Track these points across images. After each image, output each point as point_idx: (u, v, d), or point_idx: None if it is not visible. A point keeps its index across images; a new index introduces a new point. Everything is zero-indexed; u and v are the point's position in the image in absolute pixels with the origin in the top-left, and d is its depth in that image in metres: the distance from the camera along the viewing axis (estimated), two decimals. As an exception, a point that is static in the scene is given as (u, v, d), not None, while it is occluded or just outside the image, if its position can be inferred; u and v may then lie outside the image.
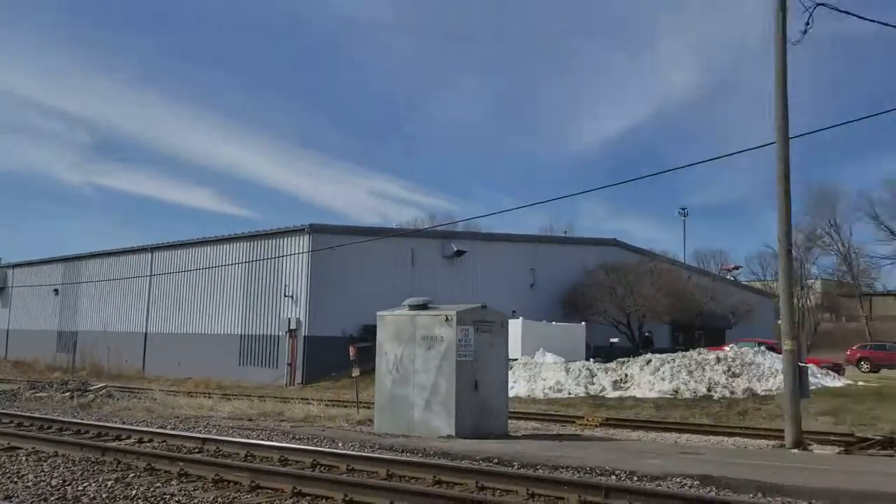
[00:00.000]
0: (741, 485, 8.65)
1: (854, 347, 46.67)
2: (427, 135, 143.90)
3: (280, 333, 34.89)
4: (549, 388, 25.82)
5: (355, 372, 18.44)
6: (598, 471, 9.63)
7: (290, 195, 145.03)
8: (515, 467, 10.14)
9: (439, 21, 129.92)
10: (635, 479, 9.28)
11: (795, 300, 69.55)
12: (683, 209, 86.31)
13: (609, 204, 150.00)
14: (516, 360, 27.74)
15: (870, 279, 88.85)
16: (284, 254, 35.26)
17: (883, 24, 16.77)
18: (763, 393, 22.57)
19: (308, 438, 13.20)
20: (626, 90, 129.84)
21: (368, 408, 17.07)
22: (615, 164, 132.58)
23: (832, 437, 14.66)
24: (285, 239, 35.98)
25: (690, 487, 8.74)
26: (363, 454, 10.73)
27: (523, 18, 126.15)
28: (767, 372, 23.91)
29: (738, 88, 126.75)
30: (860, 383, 26.93)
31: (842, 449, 13.42)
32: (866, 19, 16.15)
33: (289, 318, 34.47)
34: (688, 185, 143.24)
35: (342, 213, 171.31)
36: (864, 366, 42.00)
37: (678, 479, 9.04)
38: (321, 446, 12.01)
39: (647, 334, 45.07)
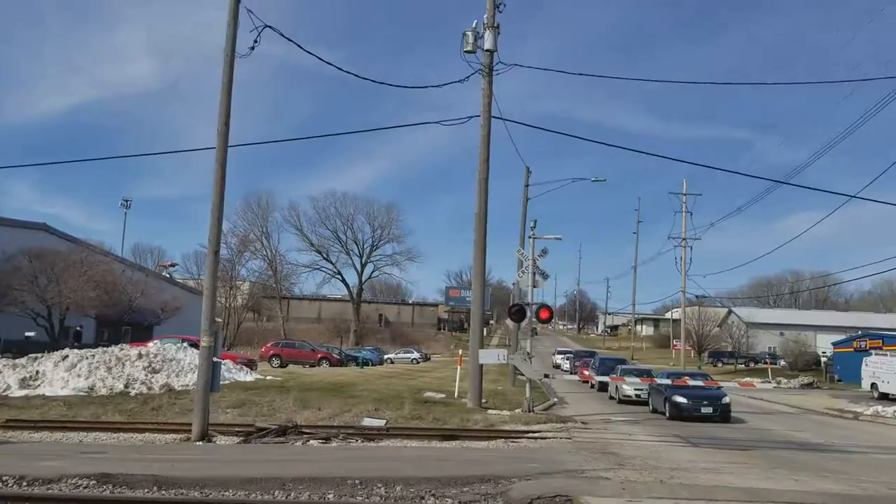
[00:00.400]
0: (139, 480, 8.74)
1: (268, 345, 51.18)
2: None
3: None
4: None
5: None
6: (-20, 479, 8.64)
7: None
8: None
9: None
10: (24, 483, 8.59)
11: (224, 300, 73.51)
12: (126, 200, 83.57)
13: (41, 186, 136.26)
14: None
15: (290, 284, 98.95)
16: None
17: (319, 58, 19.14)
18: (180, 388, 23.10)
19: None
20: (79, 71, 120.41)
21: None
22: (53, 143, 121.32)
23: (236, 429, 15.81)
24: None
25: (86, 488, 8.48)
26: None
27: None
28: (187, 367, 24.58)
29: (194, 88, 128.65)
30: (268, 377, 29.63)
31: (242, 439, 14.60)
32: (306, 51, 18.24)
33: None
34: (133, 177, 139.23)
35: None
36: (275, 361, 46.35)
37: (74, 481, 8.69)
38: None
39: (78, 328, 42.10)
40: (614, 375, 29.37)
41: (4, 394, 22.11)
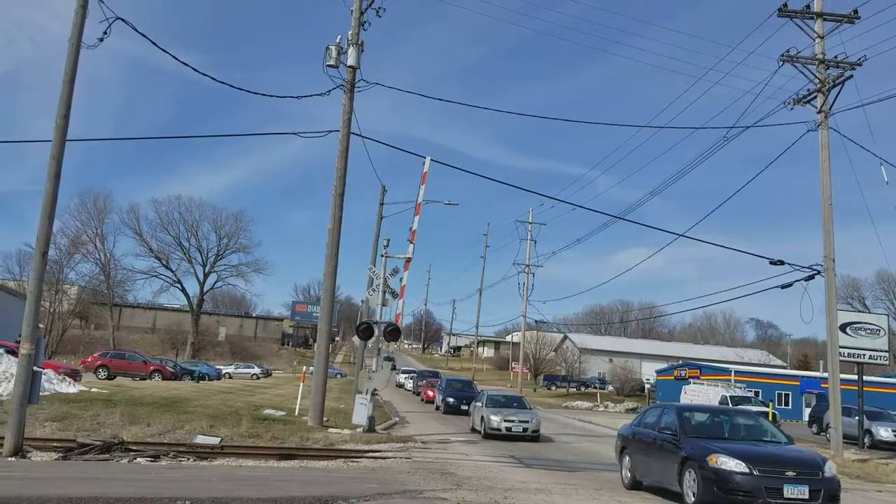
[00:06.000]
0: (-61, 500, 7.94)
1: (95, 354, 48.02)
2: None
3: None
4: None
5: None
6: None
7: None
8: None
9: None
10: None
11: (48, 304, 68.16)
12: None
13: None
14: None
15: (124, 290, 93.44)
16: None
17: (174, 57, 18.33)
18: (-8, 399, 21.18)
19: None
20: None
21: None
22: None
23: (55, 444, 14.69)
24: None
25: None
26: None
27: None
28: (1, 376, 22.65)
29: (35, 76, 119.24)
30: (94, 389, 27.78)
31: (61, 455, 13.58)
32: (160, 48, 17.45)
33: None
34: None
35: None
36: (102, 372, 43.54)
37: None
38: None
39: None
40: (479, 404, 24.79)
41: None
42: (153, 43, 16.91)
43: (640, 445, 13.79)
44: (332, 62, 21.48)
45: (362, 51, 22.09)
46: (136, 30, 15.83)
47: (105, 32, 14.92)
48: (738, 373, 53.37)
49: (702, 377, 52.14)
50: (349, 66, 21.83)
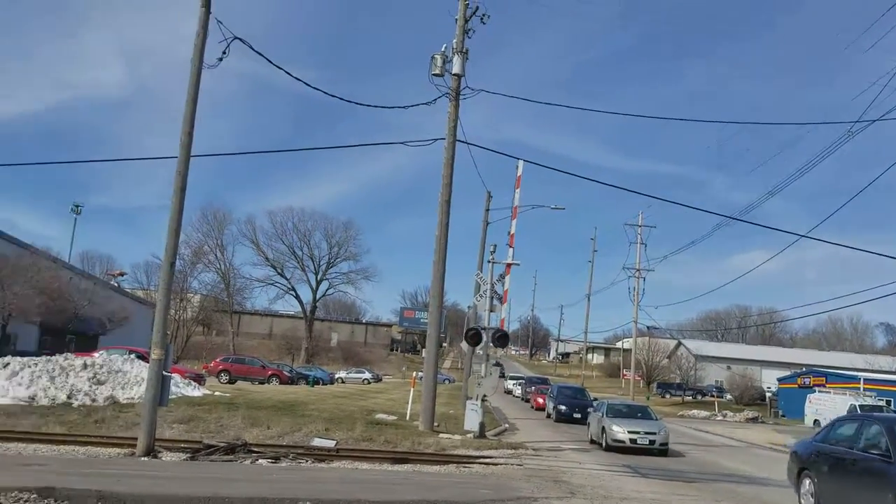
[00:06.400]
0: (82, 495, 8.50)
1: (217, 359, 50.30)
2: None
3: None
4: None
5: None
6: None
7: None
8: None
9: None
10: (-40, 497, 8.30)
11: (174, 312, 72.10)
12: (77, 206, 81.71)
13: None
14: None
15: (242, 298, 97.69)
16: None
17: (288, 73, 19.02)
18: (125, 401, 22.56)
19: None
20: (44, 75, 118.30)
21: None
22: (7, 144, 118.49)
23: (182, 445, 15.47)
24: None
25: (27, 502, 8.21)
26: None
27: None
28: (133, 380, 24.03)
29: (157, 96, 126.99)
30: (217, 393, 29.11)
31: (189, 456, 14.29)
32: (275, 65, 18.17)
33: None
34: (86, 183, 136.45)
35: None
36: (224, 377, 45.55)
37: (14, 494, 8.40)
38: None
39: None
40: (599, 414, 23.25)
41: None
42: (269, 60, 17.60)
43: (829, 468, 11.26)
44: (437, 71, 21.71)
45: (467, 58, 22.22)
46: (253, 48, 16.51)
47: (224, 52, 15.63)
48: (867, 380, 50.15)
49: (828, 385, 49.39)
50: (454, 75, 21.99)
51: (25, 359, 24.65)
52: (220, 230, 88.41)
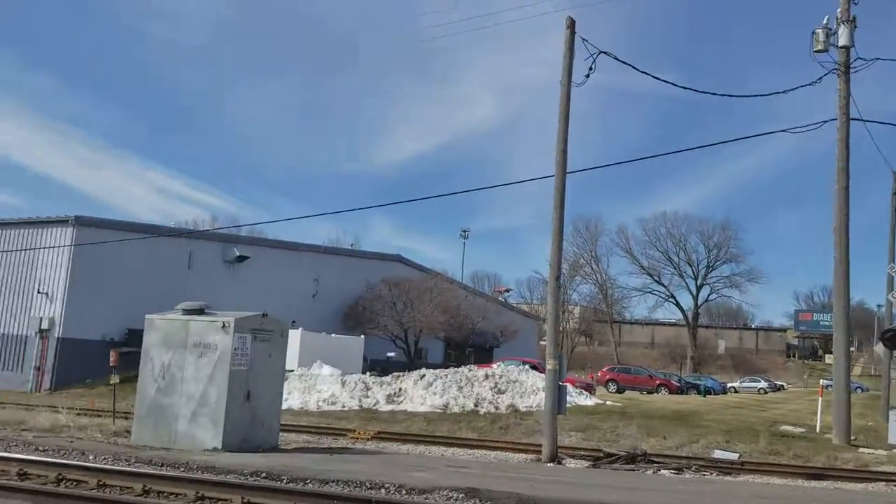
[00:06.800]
0: (503, 498, 9.06)
1: (604, 369, 51.07)
2: (224, 134, 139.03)
3: (29, 333, 31.48)
4: (324, 400, 25.58)
5: (114, 379, 17.00)
6: (367, 485, 9.63)
7: (62, 184, 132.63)
8: (284, 481, 9.87)
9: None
10: (404, 492, 9.41)
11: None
12: (465, 231, 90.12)
13: (396, 221, 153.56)
14: (292, 371, 27.22)
15: (621, 308, 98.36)
16: (41, 245, 31.93)
17: (655, 77, 18.71)
18: (524, 409, 23.94)
19: (54, 450, 11.96)
20: (425, 118, 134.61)
21: (127, 418, 15.81)
22: (407, 184, 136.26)
23: (582, 452, 15.87)
24: (45, 230, 32.62)
25: (456, 500, 9.01)
26: (117, 468, 9.91)
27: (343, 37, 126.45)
28: (530, 389, 25.43)
29: (526, 124, 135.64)
30: (608, 402, 29.44)
31: (591, 463, 14.56)
32: (641, 71, 18.00)
33: (41, 317, 31.21)
34: (470, 209, 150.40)
35: (122, 208, 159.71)
36: (612, 386, 46.04)
37: (445, 493, 9.28)
38: (68, 459, 10.93)
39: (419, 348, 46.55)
40: None
41: (375, 408, 24.85)
42: (634, 68, 17.44)
43: None
44: (819, 47, 19.61)
45: (855, 27, 19.69)
46: (618, 59, 16.56)
47: (591, 68, 15.94)
48: None
49: None
50: (841, 48, 19.64)
51: (437, 371, 27.64)
52: (594, 242, 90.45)
